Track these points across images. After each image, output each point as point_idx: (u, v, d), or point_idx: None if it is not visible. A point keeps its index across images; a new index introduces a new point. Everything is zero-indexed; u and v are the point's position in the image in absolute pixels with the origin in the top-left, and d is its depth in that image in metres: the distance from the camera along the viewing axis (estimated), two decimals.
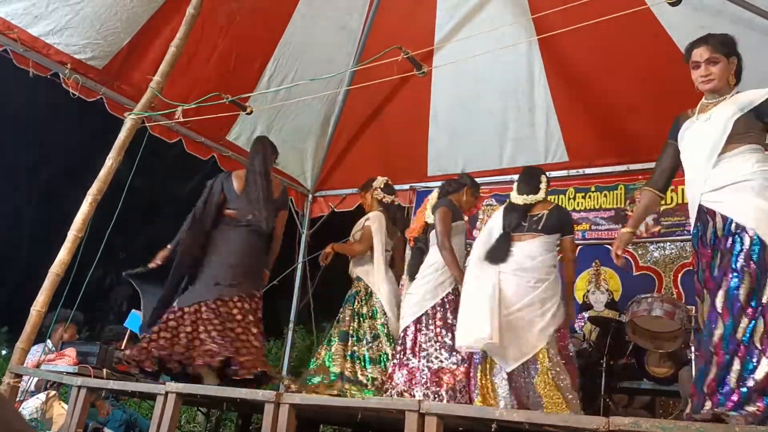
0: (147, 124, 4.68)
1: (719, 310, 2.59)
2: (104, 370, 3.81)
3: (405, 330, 4.14)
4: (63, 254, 3.97)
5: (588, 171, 6.14)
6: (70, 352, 3.91)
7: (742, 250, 2.60)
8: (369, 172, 7.03)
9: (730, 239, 2.66)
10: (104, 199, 4.25)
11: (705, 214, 2.81)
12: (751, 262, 2.56)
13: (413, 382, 3.90)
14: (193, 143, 5.93)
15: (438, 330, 4.02)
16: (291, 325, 7.09)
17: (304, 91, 5.52)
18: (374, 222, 4.78)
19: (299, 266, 7.08)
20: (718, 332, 2.56)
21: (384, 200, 4.97)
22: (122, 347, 4.31)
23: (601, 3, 3.47)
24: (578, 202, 6.21)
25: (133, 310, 4.91)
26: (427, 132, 6.61)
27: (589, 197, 6.11)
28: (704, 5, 4.52)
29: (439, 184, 6.83)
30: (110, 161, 4.24)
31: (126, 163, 4.42)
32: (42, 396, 4.03)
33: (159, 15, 5.03)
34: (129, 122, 4.41)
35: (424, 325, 4.07)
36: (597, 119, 5.90)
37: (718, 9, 4.53)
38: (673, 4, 2.67)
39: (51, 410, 4.01)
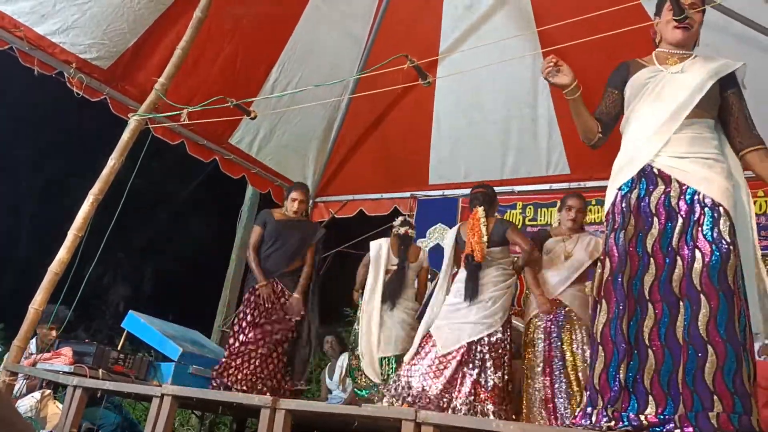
0: (150, 126, 4.69)
1: (698, 286, 2.27)
2: (100, 370, 3.80)
3: None
4: (63, 253, 3.96)
5: (589, 184, 6.15)
6: (67, 351, 3.90)
7: (716, 224, 2.34)
8: (370, 179, 7.08)
9: (698, 209, 2.39)
10: (103, 198, 4.25)
11: (655, 176, 2.52)
12: (728, 238, 2.31)
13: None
14: (196, 146, 5.95)
15: None
16: None
17: (308, 96, 5.53)
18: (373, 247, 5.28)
19: None
20: (705, 313, 2.23)
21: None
22: (119, 348, 4.29)
23: (607, 17, 3.48)
24: None
25: (131, 311, 4.89)
26: (430, 140, 6.63)
27: (590, 211, 6.11)
28: (709, 22, 4.48)
29: (440, 192, 6.90)
30: (113, 161, 4.24)
31: (126, 163, 4.42)
32: (37, 395, 4.01)
33: (165, 17, 5.04)
34: (133, 123, 4.41)
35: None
36: None
37: (723, 26, 4.55)
38: (678, 21, 2.64)
39: (45, 409, 4.00)
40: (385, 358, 4.84)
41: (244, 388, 4.50)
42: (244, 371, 4.56)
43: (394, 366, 4.76)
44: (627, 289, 2.42)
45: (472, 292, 4.10)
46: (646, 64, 2.74)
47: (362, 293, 5.11)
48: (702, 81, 2.54)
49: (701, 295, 2.26)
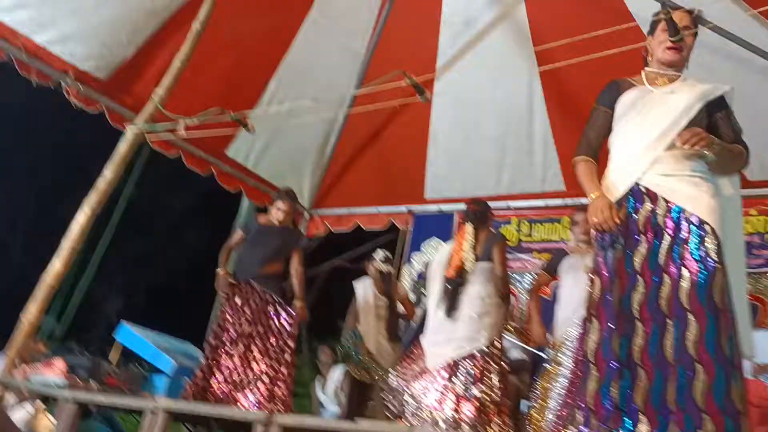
0: (148, 138, 4.69)
1: (686, 305, 2.26)
2: (93, 383, 3.77)
3: None
4: (57, 265, 3.94)
5: (585, 201, 6.13)
6: (59, 363, 3.87)
7: (703, 243, 2.32)
8: (367, 193, 7.08)
9: (685, 228, 2.38)
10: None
11: (642, 194, 2.49)
12: (715, 257, 2.30)
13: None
14: (192, 157, 5.94)
15: None
16: None
17: (305, 110, 5.55)
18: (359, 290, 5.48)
19: None
20: (693, 332, 2.22)
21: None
22: (112, 360, 4.26)
23: (603, 37, 3.52)
24: None
25: (123, 322, 4.87)
26: (426, 155, 6.64)
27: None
28: (705, 43, 4.56)
29: (436, 207, 6.91)
30: (109, 173, 4.23)
31: (122, 174, 4.40)
32: (30, 408, 3.97)
33: (164, 29, 5.07)
34: (130, 134, 4.40)
35: None
36: None
37: (718, 47, 4.58)
38: (674, 42, 2.67)
39: (38, 423, 3.95)
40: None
41: (219, 393, 4.39)
42: (219, 375, 4.46)
43: None
44: (617, 307, 2.41)
45: (449, 307, 4.12)
46: (635, 84, 2.74)
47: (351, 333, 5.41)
48: (690, 103, 2.55)
49: (689, 314, 2.26)
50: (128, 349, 4.91)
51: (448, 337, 4.07)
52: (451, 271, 4.16)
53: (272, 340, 4.62)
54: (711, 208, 2.41)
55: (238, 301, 4.61)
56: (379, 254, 5.57)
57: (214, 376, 4.42)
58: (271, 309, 4.68)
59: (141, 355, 4.78)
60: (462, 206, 6.44)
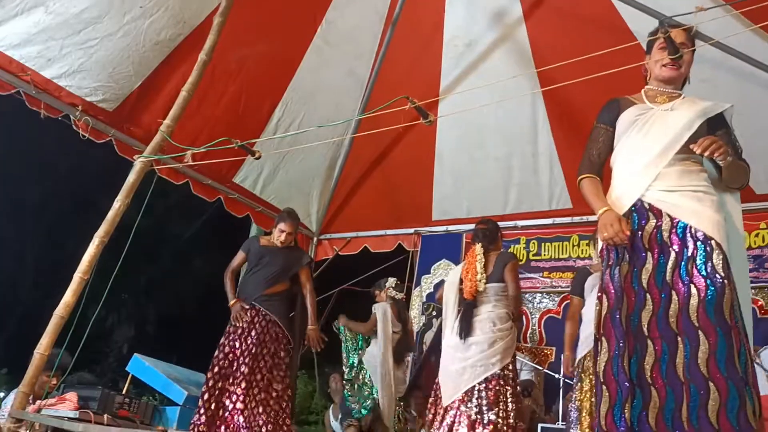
0: (155, 167, 4.73)
1: (695, 323, 2.24)
2: (105, 415, 3.76)
3: None
4: (68, 296, 3.95)
5: (592, 218, 6.13)
6: (71, 396, 3.87)
7: (710, 258, 2.31)
8: (374, 216, 7.10)
9: (691, 243, 2.37)
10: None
11: (647, 210, 2.50)
12: (722, 272, 2.28)
13: None
14: (200, 185, 5.98)
15: None
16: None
17: (311, 135, 5.59)
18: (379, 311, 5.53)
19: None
20: (704, 349, 2.20)
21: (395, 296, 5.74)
22: (124, 392, 4.26)
23: (604, 55, 3.53)
24: (582, 249, 6.22)
25: (136, 355, 4.86)
26: (432, 176, 6.67)
27: (594, 245, 6.11)
28: (706, 58, 4.59)
29: (444, 228, 6.91)
30: (118, 203, 4.25)
31: (130, 203, 4.42)
32: None
33: (170, 60, 5.11)
34: (138, 165, 4.43)
35: None
36: None
37: (720, 62, 4.60)
38: (674, 59, 2.68)
39: None
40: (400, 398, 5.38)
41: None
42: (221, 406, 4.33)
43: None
44: (626, 325, 2.39)
45: (465, 330, 4.10)
46: (635, 102, 2.75)
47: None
48: (690, 120, 2.55)
49: (699, 332, 2.24)
50: (140, 381, 4.90)
51: (462, 365, 4.05)
52: (466, 293, 4.15)
53: (275, 370, 4.55)
54: (716, 223, 2.40)
55: (244, 326, 4.51)
56: (390, 281, 5.69)
57: (219, 411, 4.30)
58: (274, 332, 4.59)
59: (153, 386, 4.77)
60: (470, 227, 6.49)
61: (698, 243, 2.37)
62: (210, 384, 4.31)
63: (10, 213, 13.48)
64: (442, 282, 6.67)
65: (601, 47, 3.33)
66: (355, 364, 5.58)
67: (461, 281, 4.39)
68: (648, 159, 2.56)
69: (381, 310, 5.47)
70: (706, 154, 2.40)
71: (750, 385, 2.20)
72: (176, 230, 15.18)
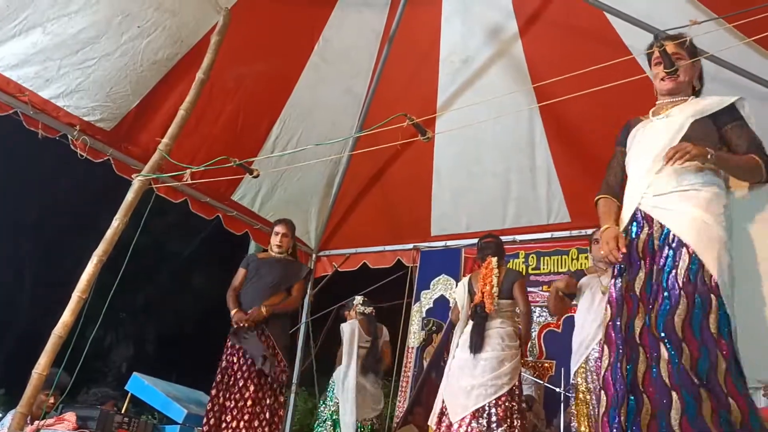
0: (154, 186, 4.73)
1: (678, 332, 2.23)
2: None
3: None
4: (66, 316, 3.93)
5: (591, 231, 6.15)
6: (70, 416, 3.84)
7: (674, 268, 2.33)
8: (373, 232, 7.10)
9: (666, 251, 2.39)
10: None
11: (642, 219, 2.53)
12: (689, 284, 2.28)
13: None
14: (198, 203, 5.98)
15: None
16: (294, 387, 6.99)
17: (309, 153, 5.60)
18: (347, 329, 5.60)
19: (302, 327, 7.04)
20: (686, 360, 2.19)
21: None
22: (123, 411, 4.23)
23: (600, 70, 3.56)
24: (581, 263, 6.21)
25: (135, 374, 4.84)
26: (431, 192, 6.68)
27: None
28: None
29: (442, 243, 6.91)
30: (117, 222, 4.25)
31: (129, 221, 4.42)
32: None
33: (168, 79, 5.13)
34: (137, 184, 4.44)
35: None
36: (598, 180, 5.89)
37: (714, 75, 4.61)
38: (669, 73, 2.71)
39: None
40: (365, 419, 5.32)
41: None
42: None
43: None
44: (625, 333, 2.41)
45: (476, 344, 4.09)
46: (642, 119, 2.80)
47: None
48: (682, 122, 2.57)
49: (682, 343, 2.24)
50: (139, 399, 4.87)
51: (471, 383, 4.05)
52: (488, 306, 4.15)
53: (267, 387, 4.53)
54: (694, 225, 2.38)
55: (244, 335, 4.53)
56: (357, 299, 5.83)
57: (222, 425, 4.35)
58: (266, 346, 4.56)
59: (152, 404, 4.75)
60: (468, 242, 6.49)
61: (670, 251, 2.39)
62: (212, 398, 4.41)
63: (9, 232, 13.47)
64: (441, 297, 6.68)
65: (596, 62, 3.35)
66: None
67: (471, 294, 4.39)
68: (642, 169, 2.60)
69: (348, 328, 5.58)
70: (670, 164, 2.42)
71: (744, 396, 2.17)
72: (175, 248, 15.18)
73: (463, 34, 5.70)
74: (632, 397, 2.31)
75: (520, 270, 6.42)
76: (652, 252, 2.46)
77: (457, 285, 5.23)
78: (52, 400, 4.25)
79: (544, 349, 6.22)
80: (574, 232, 6.26)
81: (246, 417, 4.35)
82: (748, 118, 2.61)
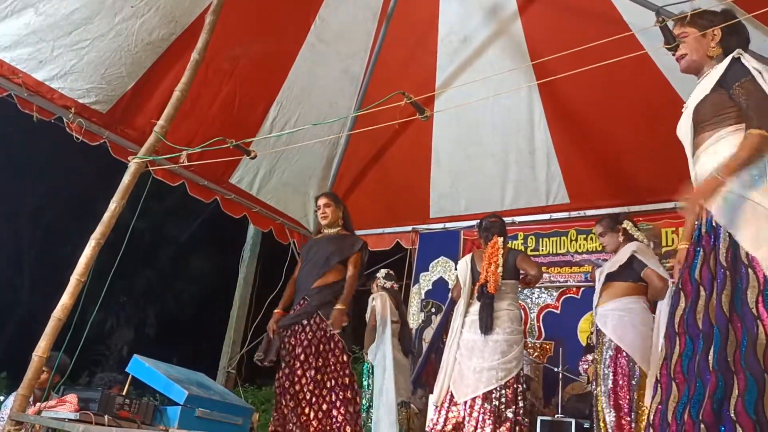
0: (150, 168, 4.70)
1: (712, 320, 2.20)
2: (106, 416, 3.74)
3: None
4: (65, 299, 3.92)
5: (589, 213, 6.16)
6: (72, 398, 3.84)
7: (717, 249, 2.27)
8: (372, 214, 7.09)
9: (711, 237, 2.32)
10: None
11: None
12: (726, 265, 2.22)
13: None
14: (196, 186, 5.95)
15: None
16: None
17: (307, 134, 5.56)
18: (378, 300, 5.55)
19: None
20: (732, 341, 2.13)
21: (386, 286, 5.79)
22: (124, 393, 4.23)
23: (600, 47, 3.52)
24: (580, 244, 6.22)
25: (135, 356, 4.84)
26: (429, 174, 6.66)
27: (591, 239, 6.12)
28: None
29: (441, 225, 6.91)
30: (114, 205, 4.21)
31: (126, 205, 4.40)
32: None
33: (163, 60, 5.08)
34: (133, 166, 4.40)
35: None
36: (597, 161, 5.95)
37: None
38: (670, 49, 2.67)
39: None
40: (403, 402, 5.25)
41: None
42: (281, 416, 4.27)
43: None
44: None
45: (486, 324, 4.10)
46: None
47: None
48: (689, 112, 2.51)
49: (714, 329, 2.20)
50: (140, 382, 4.87)
51: (481, 365, 4.07)
52: (491, 286, 4.16)
53: (329, 368, 4.25)
54: (723, 203, 2.30)
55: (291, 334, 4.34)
56: (382, 272, 5.75)
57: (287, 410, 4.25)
58: (324, 328, 4.27)
59: (153, 386, 4.74)
60: (467, 224, 6.49)
61: (720, 230, 2.29)
62: (278, 384, 4.35)
63: (6, 216, 13.45)
64: (440, 279, 6.69)
65: (596, 39, 3.32)
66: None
67: (473, 274, 4.39)
68: (689, 157, 2.53)
69: (379, 301, 5.52)
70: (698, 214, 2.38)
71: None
72: (174, 231, 15.16)
73: (462, 13, 5.65)
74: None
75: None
76: (700, 238, 2.38)
77: (456, 267, 5.24)
78: (45, 375, 4.27)
79: (543, 330, 6.24)
80: (573, 214, 6.27)
81: (313, 400, 4.17)
82: (754, 70, 2.40)
